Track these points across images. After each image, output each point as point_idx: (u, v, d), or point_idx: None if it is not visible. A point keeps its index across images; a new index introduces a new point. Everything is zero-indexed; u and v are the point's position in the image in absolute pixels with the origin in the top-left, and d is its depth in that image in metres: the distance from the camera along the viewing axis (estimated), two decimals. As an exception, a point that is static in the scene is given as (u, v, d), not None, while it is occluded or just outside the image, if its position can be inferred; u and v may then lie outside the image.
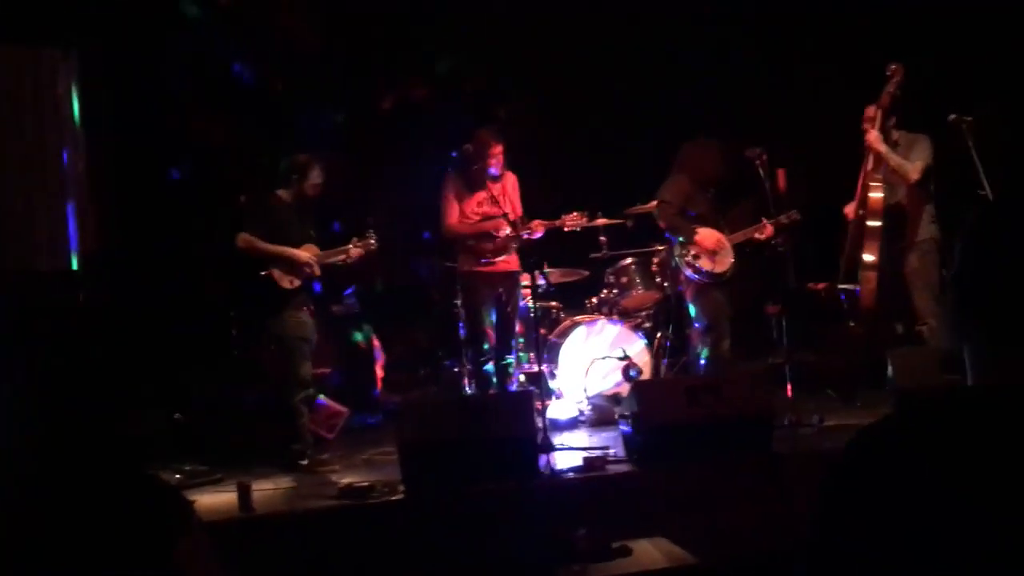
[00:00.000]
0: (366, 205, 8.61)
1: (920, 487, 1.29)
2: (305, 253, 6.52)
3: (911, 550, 1.27)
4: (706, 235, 6.97)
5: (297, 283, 6.49)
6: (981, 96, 7.02)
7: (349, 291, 8.62)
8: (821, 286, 7.68)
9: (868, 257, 6.67)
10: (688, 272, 6.97)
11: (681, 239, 7.00)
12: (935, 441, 1.32)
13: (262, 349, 6.63)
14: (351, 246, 6.73)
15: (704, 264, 6.95)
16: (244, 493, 5.21)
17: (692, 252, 6.96)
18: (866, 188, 6.69)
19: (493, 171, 6.99)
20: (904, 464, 1.32)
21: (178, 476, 6.07)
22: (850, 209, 6.90)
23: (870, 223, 6.66)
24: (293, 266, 6.49)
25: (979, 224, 1.43)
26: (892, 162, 6.57)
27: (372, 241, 6.75)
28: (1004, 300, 1.36)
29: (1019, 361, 1.35)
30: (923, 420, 1.37)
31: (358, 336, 8.56)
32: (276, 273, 6.43)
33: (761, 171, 6.65)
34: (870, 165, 6.69)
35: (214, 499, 5.60)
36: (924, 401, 1.38)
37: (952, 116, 6.26)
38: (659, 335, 7.76)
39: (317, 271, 6.57)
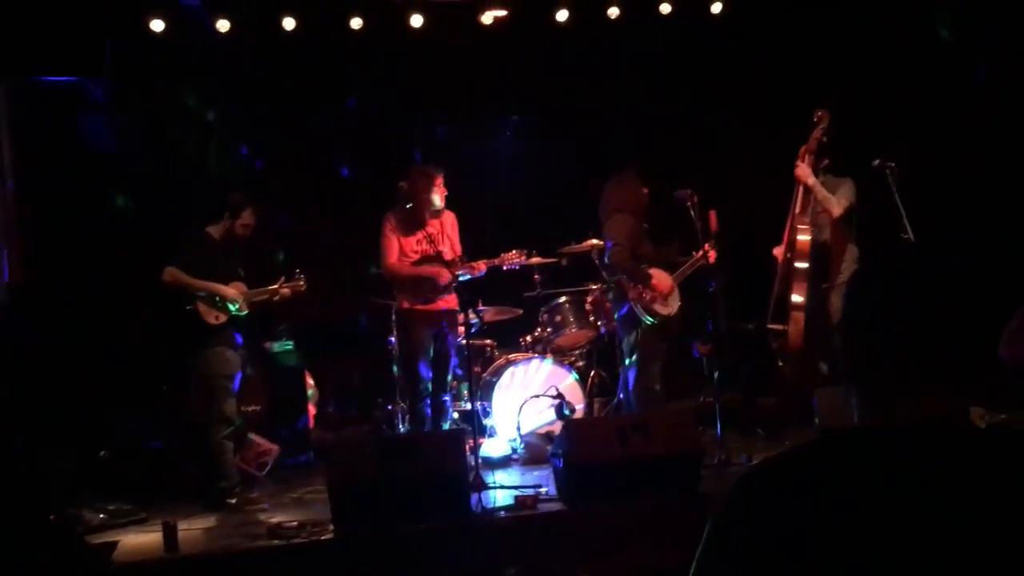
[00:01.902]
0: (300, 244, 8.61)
1: (807, 525, 1.33)
2: (232, 291, 6.47)
3: None
4: (661, 278, 7.03)
5: (222, 319, 6.44)
6: (904, 142, 7.22)
7: (281, 327, 8.54)
8: (751, 326, 7.79)
9: (796, 298, 6.80)
10: (645, 317, 6.96)
11: (635, 282, 7.00)
12: (820, 480, 1.37)
13: (188, 386, 6.54)
14: (279, 286, 6.70)
15: (660, 308, 6.99)
16: (170, 532, 5.13)
17: (648, 296, 6.99)
18: (793, 231, 6.85)
19: (438, 203, 7.02)
20: (792, 503, 1.36)
21: (102, 515, 5.93)
22: (779, 252, 7.04)
23: (797, 265, 6.80)
24: (219, 302, 6.43)
25: (865, 272, 1.51)
26: (819, 195, 6.71)
27: (301, 282, 6.72)
28: (887, 345, 1.42)
29: (901, 402, 1.41)
30: (809, 460, 1.42)
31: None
32: (202, 308, 6.38)
33: (692, 212, 6.74)
34: (798, 208, 6.84)
35: (139, 539, 5.50)
36: (811, 443, 1.44)
37: (876, 161, 6.43)
38: (592, 374, 7.81)
39: (244, 309, 6.51)
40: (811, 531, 1.32)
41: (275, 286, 6.70)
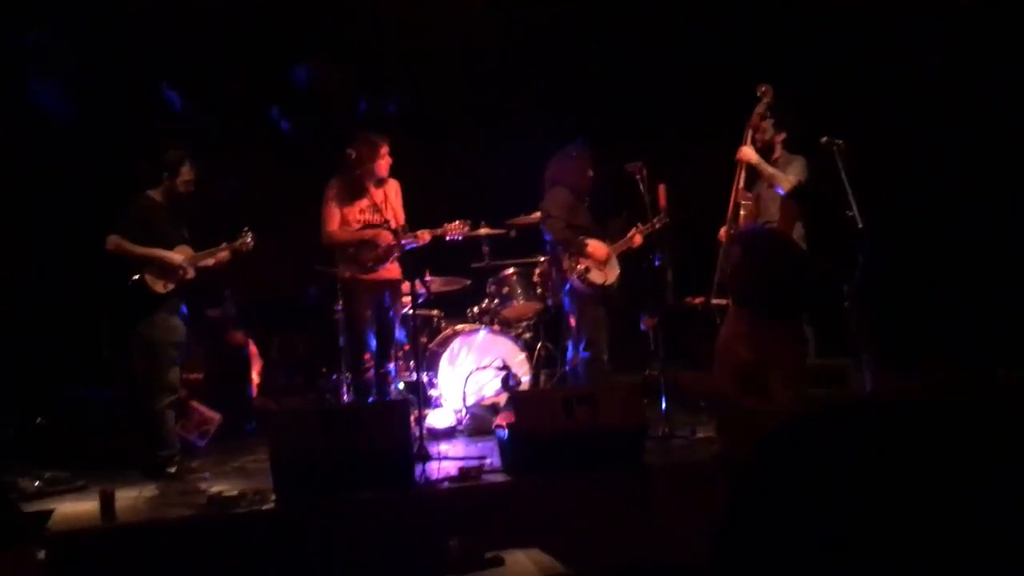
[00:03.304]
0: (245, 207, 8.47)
1: (824, 494, 1.32)
2: (179, 256, 6.35)
3: (814, 554, 1.31)
4: (596, 247, 7.08)
5: (171, 287, 6.32)
6: (853, 119, 7.25)
7: (226, 294, 8.43)
8: (698, 301, 7.82)
9: (740, 273, 6.82)
10: (579, 285, 7.02)
11: (571, 252, 7.05)
12: (836, 451, 1.36)
13: (131, 352, 6.41)
14: (225, 246, 6.59)
15: (595, 277, 7.04)
16: (107, 501, 5.04)
17: (583, 265, 7.02)
18: (737, 207, 6.85)
19: (381, 173, 6.95)
20: (807, 472, 1.35)
21: (38, 483, 5.83)
22: (724, 232, 7.05)
23: (741, 240, 6.82)
24: (166, 269, 6.31)
25: (883, 243, 1.48)
26: (765, 172, 6.71)
27: (248, 239, 6.62)
28: (905, 317, 1.41)
29: (919, 373, 1.40)
30: (826, 430, 1.40)
31: None
32: (149, 277, 6.26)
33: (641, 185, 6.75)
34: (741, 183, 6.84)
35: (75, 507, 5.40)
36: (824, 411, 1.42)
37: (824, 139, 6.44)
38: (539, 345, 7.81)
39: (191, 274, 6.40)
40: (829, 500, 1.31)
41: (223, 246, 6.58)
